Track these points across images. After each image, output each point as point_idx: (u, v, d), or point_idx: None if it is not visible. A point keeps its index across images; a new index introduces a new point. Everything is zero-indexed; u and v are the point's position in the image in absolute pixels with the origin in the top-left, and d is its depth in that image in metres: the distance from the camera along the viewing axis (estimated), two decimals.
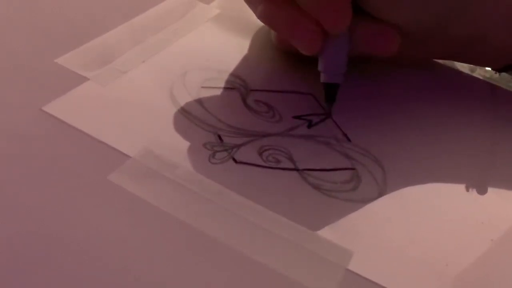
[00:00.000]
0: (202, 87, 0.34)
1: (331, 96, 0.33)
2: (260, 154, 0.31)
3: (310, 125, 0.33)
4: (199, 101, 0.33)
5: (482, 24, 0.34)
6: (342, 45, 0.32)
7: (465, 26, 0.34)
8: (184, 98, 0.33)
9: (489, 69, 0.39)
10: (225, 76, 0.35)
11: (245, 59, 0.35)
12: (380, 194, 0.30)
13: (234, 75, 0.35)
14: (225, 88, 0.34)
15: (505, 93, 0.38)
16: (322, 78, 0.33)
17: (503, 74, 0.38)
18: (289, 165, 0.31)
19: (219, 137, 0.31)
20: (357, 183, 0.30)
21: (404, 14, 0.33)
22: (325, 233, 0.28)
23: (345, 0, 0.31)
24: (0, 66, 0.33)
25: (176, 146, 0.31)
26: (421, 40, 0.35)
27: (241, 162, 0.30)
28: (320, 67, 0.33)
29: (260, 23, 0.36)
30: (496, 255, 0.28)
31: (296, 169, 0.30)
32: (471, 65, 0.39)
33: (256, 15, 0.34)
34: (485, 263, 0.28)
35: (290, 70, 0.34)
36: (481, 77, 0.39)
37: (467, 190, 0.31)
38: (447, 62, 0.39)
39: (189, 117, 0.32)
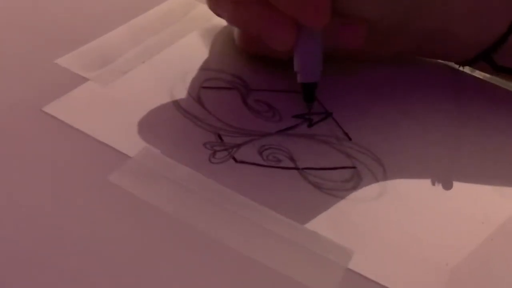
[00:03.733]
0: (202, 87, 0.34)
1: (310, 96, 0.33)
2: (260, 153, 0.31)
3: (310, 124, 0.33)
4: (199, 101, 0.33)
5: (447, 17, 0.35)
6: (316, 42, 0.32)
7: (430, 19, 0.34)
8: (184, 98, 0.33)
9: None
10: (225, 76, 0.35)
11: (245, 59, 0.35)
12: (381, 193, 0.30)
13: (234, 75, 0.35)
14: (225, 88, 0.34)
15: (505, 93, 0.38)
16: (299, 78, 0.33)
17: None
18: (290, 164, 0.31)
19: (219, 136, 0.31)
20: (357, 182, 0.30)
21: (372, 9, 0.33)
22: (326, 232, 0.28)
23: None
24: (1, 66, 0.33)
25: (176, 146, 0.31)
26: (387, 35, 0.35)
27: (241, 162, 0.30)
28: (296, 67, 0.33)
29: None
30: (496, 255, 0.28)
31: (297, 168, 0.30)
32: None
33: (225, 19, 0.34)
34: (484, 261, 0.28)
35: (290, 69, 0.34)
36: (481, 77, 0.39)
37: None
38: (445, 62, 0.39)
39: (189, 117, 0.32)
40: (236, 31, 0.36)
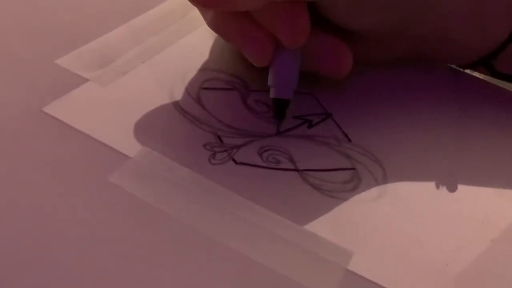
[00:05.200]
0: (202, 87, 0.34)
1: (280, 113, 0.32)
2: (260, 154, 0.31)
3: (310, 125, 0.33)
4: (199, 102, 0.33)
5: (445, 22, 0.34)
6: (293, 60, 0.32)
7: (428, 26, 0.34)
8: (184, 99, 0.33)
9: None
10: (225, 77, 0.35)
11: (245, 60, 0.35)
12: (381, 194, 0.30)
13: (234, 75, 0.35)
14: (225, 89, 0.34)
15: (506, 94, 0.38)
16: (272, 94, 0.32)
17: None
18: (289, 165, 0.31)
19: (219, 137, 0.31)
20: (357, 183, 0.30)
21: (368, 19, 0.32)
22: (325, 233, 0.28)
23: (304, 15, 0.30)
24: (0, 67, 0.33)
25: (176, 147, 0.31)
26: (384, 42, 0.35)
27: (241, 163, 0.30)
28: (269, 81, 0.32)
29: None
30: (496, 255, 0.28)
31: (296, 170, 0.30)
32: None
33: (206, 22, 0.33)
34: (485, 263, 0.28)
35: None
36: (481, 77, 0.39)
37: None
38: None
39: (189, 117, 0.32)
40: None
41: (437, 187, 0.31)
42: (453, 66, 0.38)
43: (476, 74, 0.39)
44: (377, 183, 0.30)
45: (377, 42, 0.34)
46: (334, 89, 0.35)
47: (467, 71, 0.39)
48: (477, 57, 0.36)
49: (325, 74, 0.33)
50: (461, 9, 0.34)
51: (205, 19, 0.33)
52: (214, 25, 0.33)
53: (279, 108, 0.32)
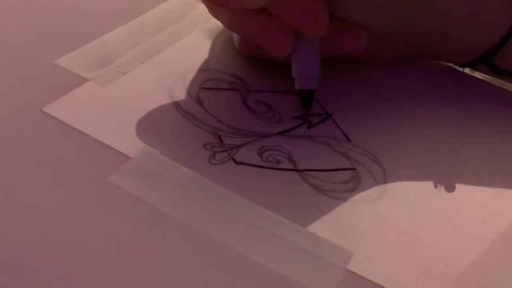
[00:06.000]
0: (202, 88, 0.34)
1: (307, 103, 0.33)
2: (260, 154, 0.31)
3: (310, 125, 0.33)
4: (199, 102, 0.33)
5: (446, 20, 0.35)
6: (314, 50, 0.32)
7: (429, 23, 0.35)
8: (184, 99, 0.33)
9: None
10: (225, 77, 0.35)
11: (245, 60, 0.35)
12: (380, 194, 0.30)
13: (234, 75, 0.35)
14: (225, 89, 0.34)
15: (506, 94, 0.38)
16: (297, 85, 0.33)
17: None
18: (289, 165, 0.31)
19: (219, 137, 0.31)
20: (357, 183, 0.30)
21: (373, 15, 0.33)
22: (325, 233, 0.28)
23: (322, 5, 0.31)
24: (1, 67, 0.33)
25: (176, 147, 0.31)
26: (386, 39, 0.35)
27: (241, 163, 0.30)
28: (294, 74, 0.33)
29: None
30: (496, 255, 0.28)
31: (296, 170, 0.30)
32: None
33: (223, 24, 0.34)
34: (485, 263, 0.28)
35: (290, 71, 0.34)
36: (481, 78, 0.39)
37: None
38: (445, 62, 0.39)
39: (189, 118, 0.32)
40: (235, 35, 0.36)
41: (435, 186, 0.31)
42: (453, 65, 0.38)
43: (476, 74, 0.39)
44: (377, 183, 0.31)
45: (378, 40, 0.34)
46: (334, 90, 0.35)
47: (467, 70, 0.39)
48: (478, 53, 0.36)
49: (343, 52, 0.34)
50: (460, 5, 0.34)
51: (222, 21, 0.34)
52: (233, 24, 0.33)
53: (306, 99, 0.33)
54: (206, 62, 0.36)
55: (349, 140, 0.32)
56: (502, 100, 0.37)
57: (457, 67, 0.38)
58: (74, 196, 0.28)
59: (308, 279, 0.26)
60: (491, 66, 0.36)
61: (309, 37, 0.32)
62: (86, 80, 0.33)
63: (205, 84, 0.34)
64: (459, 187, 0.31)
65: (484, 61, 0.36)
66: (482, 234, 0.29)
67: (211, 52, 0.37)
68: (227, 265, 0.26)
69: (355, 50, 0.33)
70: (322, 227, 0.28)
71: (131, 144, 0.30)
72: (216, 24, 0.38)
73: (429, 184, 0.31)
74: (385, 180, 0.31)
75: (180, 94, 0.33)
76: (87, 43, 0.35)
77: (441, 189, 0.31)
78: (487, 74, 0.38)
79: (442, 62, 0.39)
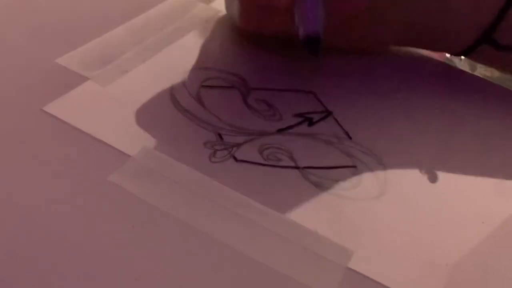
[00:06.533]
0: (202, 86, 0.34)
1: (314, 50, 0.31)
2: (261, 152, 0.31)
3: (311, 123, 0.33)
4: (199, 100, 0.33)
5: None
6: None
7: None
8: (184, 98, 0.33)
9: (489, 68, 0.39)
10: (225, 75, 0.35)
11: (245, 58, 0.35)
12: (381, 192, 0.30)
13: (234, 74, 0.35)
14: (225, 87, 0.34)
15: (505, 93, 0.38)
16: (301, 32, 0.31)
17: (502, 74, 0.38)
18: (290, 163, 0.31)
19: (220, 136, 0.31)
20: (357, 181, 0.30)
21: None
22: (326, 231, 0.28)
23: None
24: (1, 66, 0.33)
25: (176, 146, 0.31)
26: (387, 16, 0.34)
27: (241, 161, 0.30)
28: (297, 20, 0.31)
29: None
30: (496, 254, 0.28)
31: (297, 167, 0.30)
32: (472, 65, 0.39)
33: None
34: (484, 261, 0.28)
35: (290, 68, 0.34)
36: (481, 76, 0.39)
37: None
38: (446, 62, 0.39)
39: (189, 116, 0.32)
40: (236, 9, 0.35)
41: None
42: (454, 64, 0.38)
43: (476, 73, 0.39)
44: (378, 181, 0.30)
45: (374, 14, 0.34)
46: (335, 88, 0.35)
47: (468, 70, 0.38)
48: (478, 31, 0.35)
49: (344, 7, 0.32)
50: None
51: None
52: None
53: (313, 46, 0.31)
54: (206, 60, 0.36)
55: (350, 138, 0.32)
56: (502, 98, 0.37)
57: (459, 62, 0.38)
58: (75, 195, 0.28)
59: (308, 278, 0.26)
60: (494, 45, 0.35)
61: None
62: (86, 79, 0.33)
63: (205, 82, 0.34)
64: (460, 186, 0.31)
65: (486, 40, 0.35)
66: (482, 233, 0.29)
67: (211, 51, 0.36)
68: (228, 264, 0.26)
69: (356, 6, 0.32)
70: (322, 225, 0.28)
71: (131, 143, 0.30)
72: (216, 22, 0.38)
73: (429, 183, 0.31)
74: (385, 178, 0.31)
75: (181, 92, 0.33)
76: (87, 42, 0.35)
77: (442, 188, 0.31)
78: (487, 60, 0.37)
79: (443, 61, 0.39)
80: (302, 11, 0.31)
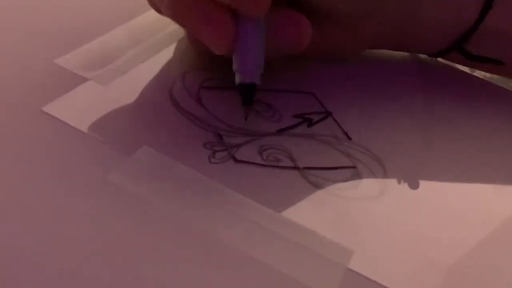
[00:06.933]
0: (202, 86, 0.34)
1: (247, 99, 0.31)
2: (260, 153, 0.31)
3: (310, 124, 0.33)
4: (199, 101, 0.33)
5: (413, 4, 0.34)
6: (257, 44, 0.31)
7: (396, 7, 0.34)
8: (184, 98, 0.33)
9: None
10: (225, 76, 0.35)
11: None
12: (381, 192, 0.30)
13: (234, 74, 0.35)
14: (225, 88, 0.34)
15: (505, 93, 0.38)
16: (237, 79, 0.31)
17: None
18: (290, 164, 0.31)
19: (219, 136, 0.31)
20: (357, 181, 0.30)
21: (340, 2, 0.32)
22: (326, 231, 0.28)
23: None
24: (0, 66, 0.33)
25: (175, 146, 0.31)
26: (355, 27, 0.34)
27: (241, 162, 0.30)
28: (234, 67, 0.31)
29: None
30: (496, 254, 0.28)
31: (297, 168, 0.30)
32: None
33: (162, 8, 0.32)
34: (485, 261, 0.28)
35: (290, 69, 0.34)
36: (481, 77, 0.39)
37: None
38: (446, 62, 0.39)
39: (189, 117, 0.32)
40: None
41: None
42: (454, 64, 0.38)
43: (476, 73, 0.39)
44: (378, 181, 0.30)
45: (346, 26, 0.34)
46: (334, 88, 0.35)
47: (467, 70, 0.39)
48: (449, 40, 0.35)
49: (287, 44, 0.32)
50: None
51: (161, 6, 0.32)
52: (170, 10, 0.31)
53: (246, 94, 0.31)
54: (206, 61, 0.36)
55: (350, 138, 0.32)
56: (501, 99, 0.37)
57: (463, 65, 0.38)
58: (74, 196, 0.27)
59: (308, 278, 0.26)
60: (464, 54, 0.36)
61: (251, 15, 0.30)
62: (85, 79, 0.33)
63: (205, 83, 0.34)
64: (460, 185, 0.31)
65: (457, 48, 0.36)
66: (482, 233, 0.29)
67: (210, 51, 0.36)
68: (227, 264, 0.26)
69: (299, 43, 0.31)
70: (322, 225, 0.28)
71: (130, 144, 0.30)
72: None
73: (430, 182, 0.31)
74: (385, 178, 0.31)
75: (180, 93, 0.33)
76: (87, 43, 0.35)
77: (442, 188, 0.31)
78: (459, 63, 0.38)
79: (443, 61, 0.39)
80: (239, 59, 0.31)
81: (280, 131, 0.32)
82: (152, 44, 0.36)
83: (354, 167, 0.31)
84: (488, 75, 0.39)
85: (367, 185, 0.30)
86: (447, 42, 0.36)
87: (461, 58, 0.36)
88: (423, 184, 0.31)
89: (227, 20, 0.30)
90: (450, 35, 0.35)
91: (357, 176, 0.31)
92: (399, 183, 0.31)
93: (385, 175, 0.31)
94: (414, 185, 0.31)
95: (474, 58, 0.36)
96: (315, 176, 0.30)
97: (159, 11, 0.33)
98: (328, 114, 0.34)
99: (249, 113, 0.32)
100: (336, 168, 0.31)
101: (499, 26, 0.34)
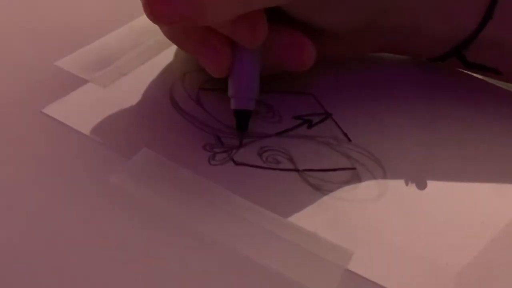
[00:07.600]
0: (202, 88, 0.34)
1: (242, 125, 0.31)
2: (260, 155, 0.31)
3: (310, 125, 0.33)
4: (199, 103, 0.33)
5: (415, 13, 0.34)
6: (252, 67, 0.31)
7: (397, 16, 0.34)
8: (184, 100, 0.33)
9: None
10: (225, 78, 0.35)
11: None
12: (380, 194, 0.30)
13: None
14: (225, 90, 0.34)
15: (505, 94, 0.38)
16: (232, 105, 0.31)
17: None
18: (289, 165, 0.31)
19: (219, 138, 0.31)
20: (357, 183, 0.30)
21: (335, 16, 0.32)
22: (325, 233, 0.28)
23: (260, 15, 0.29)
24: (1, 68, 0.33)
25: (175, 148, 0.31)
26: (354, 38, 0.34)
27: (241, 163, 0.30)
28: (229, 92, 0.31)
29: None
30: (496, 255, 0.28)
31: (296, 170, 0.30)
32: None
33: (162, 31, 0.32)
34: (485, 262, 0.28)
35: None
36: (482, 78, 0.39)
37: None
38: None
39: (188, 118, 0.32)
40: None
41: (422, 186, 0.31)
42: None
43: (478, 76, 0.39)
44: (377, 182, 0.30)
45: (346, 39, 0.34)
46: (334, 89, 0.35)
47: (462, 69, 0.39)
48: (449, 47, 0.35)
49: (290, 68, 0.32)
50: (427, 2, 0.34)
51: (161, 27, 0.32)
52: (169, 34, 0.32)
53: (241, 120, 0.32)
54: None
55: (349, 140, 0.32)
56: (503, 99, 0.37)
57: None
58: (74, 197, 0.28)
59: (308, 279, 0.26)
60: (462, 60, 0.36)
61: (248, 50, 0.30)
62: (86, 81, 0.33)
63: (205, 85, 0.34)
64: (460, 187, 0.31)
65: (455, 55, 0.36)
66: (481, 233, 0.29)
67: None
68: (227, 265, 0.26)
69: (303, 64, 0.32)
70: (322, 226, 0.28)
71: (131, 145, 0.30)
72: None
73: (429, 183, 0.31)
74: (385, 180, 0.31)
75: (180, 95, 0.33)
76: (87, 45, 0.35)
77: (442, 189, 0.31)
78: (456, 67, 0.38)
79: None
80: (234, 85, 0.31)
81: (280, 133, 0.32)
82: (152, 46, 0.36)
83: (353, 168, 0.31)
84: None
85: (367, 187, 0.30)
86: (446, 49, 0.36)
87: (460, 64, 0.36)
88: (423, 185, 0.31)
89: (224, 46, 0.30)
90: (449, 43, 0.35)
91: (357, 177, 0.31)
92: (406, 184, 0.31)
93: (385, 176, 0.31)
94: (420, 186, 0.31)
95: (471, 66, 0.36)
96: (314, 178, 0.30)
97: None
98: (328, 115, 0.34)
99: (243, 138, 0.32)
100: (335, 169, 0.31)
101: (497, 36, 0.35)
